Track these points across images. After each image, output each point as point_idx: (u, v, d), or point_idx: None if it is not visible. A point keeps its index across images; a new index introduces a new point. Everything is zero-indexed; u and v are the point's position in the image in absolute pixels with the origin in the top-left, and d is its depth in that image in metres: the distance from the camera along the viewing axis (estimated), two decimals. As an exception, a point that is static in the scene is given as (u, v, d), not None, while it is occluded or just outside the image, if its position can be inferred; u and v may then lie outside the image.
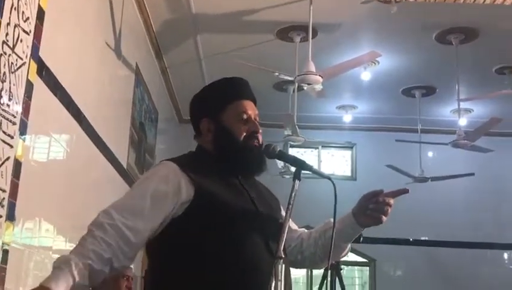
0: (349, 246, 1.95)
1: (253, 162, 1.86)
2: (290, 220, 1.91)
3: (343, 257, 2.03)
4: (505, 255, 8.72)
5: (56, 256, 3.49)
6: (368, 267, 8.66)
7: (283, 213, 1.86)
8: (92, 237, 1.57)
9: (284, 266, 1.54)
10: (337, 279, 3.42)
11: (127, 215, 1.63)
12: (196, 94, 1.98)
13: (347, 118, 8.32)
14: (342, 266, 4.20)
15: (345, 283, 4.19)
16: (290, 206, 1.63)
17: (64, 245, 3.68)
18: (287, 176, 6.85)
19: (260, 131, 1.88)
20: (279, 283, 1.49)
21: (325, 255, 1.88)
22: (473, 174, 7.52)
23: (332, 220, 1.71)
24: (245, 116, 1.87)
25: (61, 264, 1.50)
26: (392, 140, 7.87)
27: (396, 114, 8.25)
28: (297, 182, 1.67)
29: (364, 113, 8.36)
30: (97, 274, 1.55)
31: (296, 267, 2.06)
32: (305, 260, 1.96)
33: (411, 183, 7.36)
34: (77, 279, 1.49)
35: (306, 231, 2.01)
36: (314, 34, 5.76)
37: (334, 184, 1.67)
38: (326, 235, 1.89)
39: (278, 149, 1.79)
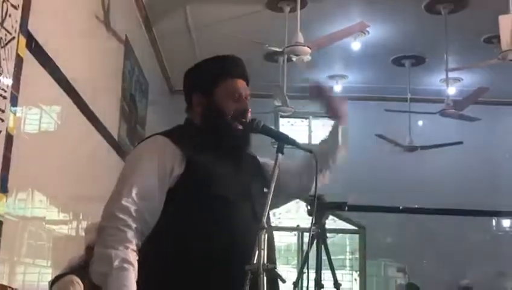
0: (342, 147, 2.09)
1: (236, 142, 1.91)
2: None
3: (344, 155, 2.12)
4: (493, 222, 8.86)
5: (49, 226, 3.58)
6: (357, 235, 8.79)
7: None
8: (129, 228, 1.67)
9: (267, 235, 1.61)
10: (323, 247, 3.51)
11: (146, 197, 1.72)
12: (191, 67, 2.01)
13: (337, 87, 8.34)
14: (332, 234, 4.30)
15: (334, 249, 4.28)
16: (273, 181, 1.69)
17: (57, 215, 3.74)
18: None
19: (250, 110, 1.93)
20: (262, 252, 1.56)
21: (330, 153, 2.08)
22: (461, 142, 7.58)
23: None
24: (237, 95, 1.91)
25: (124, 264, 1.62)
26: (381, 109, 7.90)
27: (386, 83, 8.27)
28: (280, 155, 1.73)
29: (355, 83, 8.38)
30: None
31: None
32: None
33: (401, 152, 7.45)
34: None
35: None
36: (304, 4, 5.76)
37: (316, 157, 1.74)
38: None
39: (262, 124, 1.84)
